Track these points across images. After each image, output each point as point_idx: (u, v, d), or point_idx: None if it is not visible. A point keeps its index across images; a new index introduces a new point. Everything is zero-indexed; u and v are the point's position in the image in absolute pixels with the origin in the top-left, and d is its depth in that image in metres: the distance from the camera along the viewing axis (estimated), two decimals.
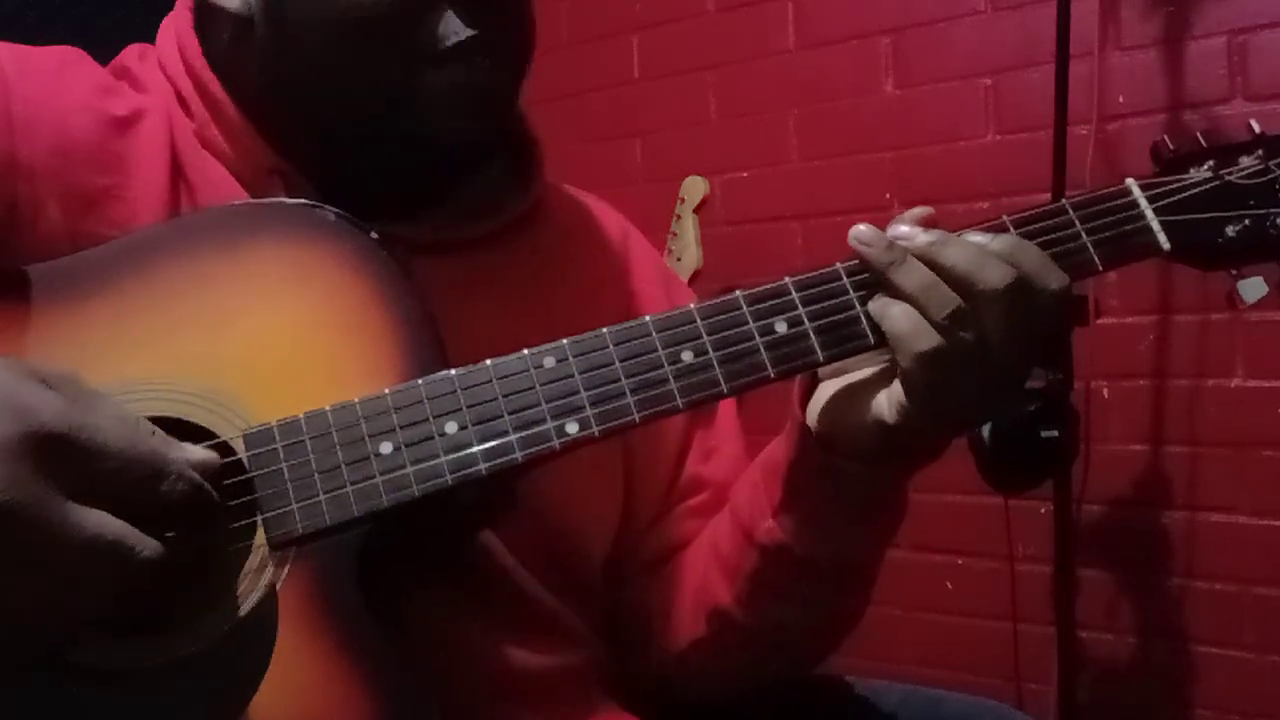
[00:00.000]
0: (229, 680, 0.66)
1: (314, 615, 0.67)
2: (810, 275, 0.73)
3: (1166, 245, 0.75)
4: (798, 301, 0.72)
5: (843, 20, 2.32)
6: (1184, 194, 0.75)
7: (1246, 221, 0.75)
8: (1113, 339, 1.99)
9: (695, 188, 2.47)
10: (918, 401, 0.70)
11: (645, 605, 0.93)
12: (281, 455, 0.68)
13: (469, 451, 0.69)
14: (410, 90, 0.78)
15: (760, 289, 0.72)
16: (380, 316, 0.72)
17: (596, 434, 0.70)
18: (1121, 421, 2.03)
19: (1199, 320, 1.96)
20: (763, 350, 0.71)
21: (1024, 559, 2.12)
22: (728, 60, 2.47)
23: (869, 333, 0.72)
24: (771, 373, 0.71)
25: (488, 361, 0.70)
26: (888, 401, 0.72)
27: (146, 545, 0.59)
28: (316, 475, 0.68)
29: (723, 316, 0.72)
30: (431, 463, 0.68)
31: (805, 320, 0.72)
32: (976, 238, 0.71)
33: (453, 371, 0.70)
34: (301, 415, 0.69)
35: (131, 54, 0.87)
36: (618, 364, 0.71)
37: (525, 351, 0.71)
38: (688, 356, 0.71)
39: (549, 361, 0.70)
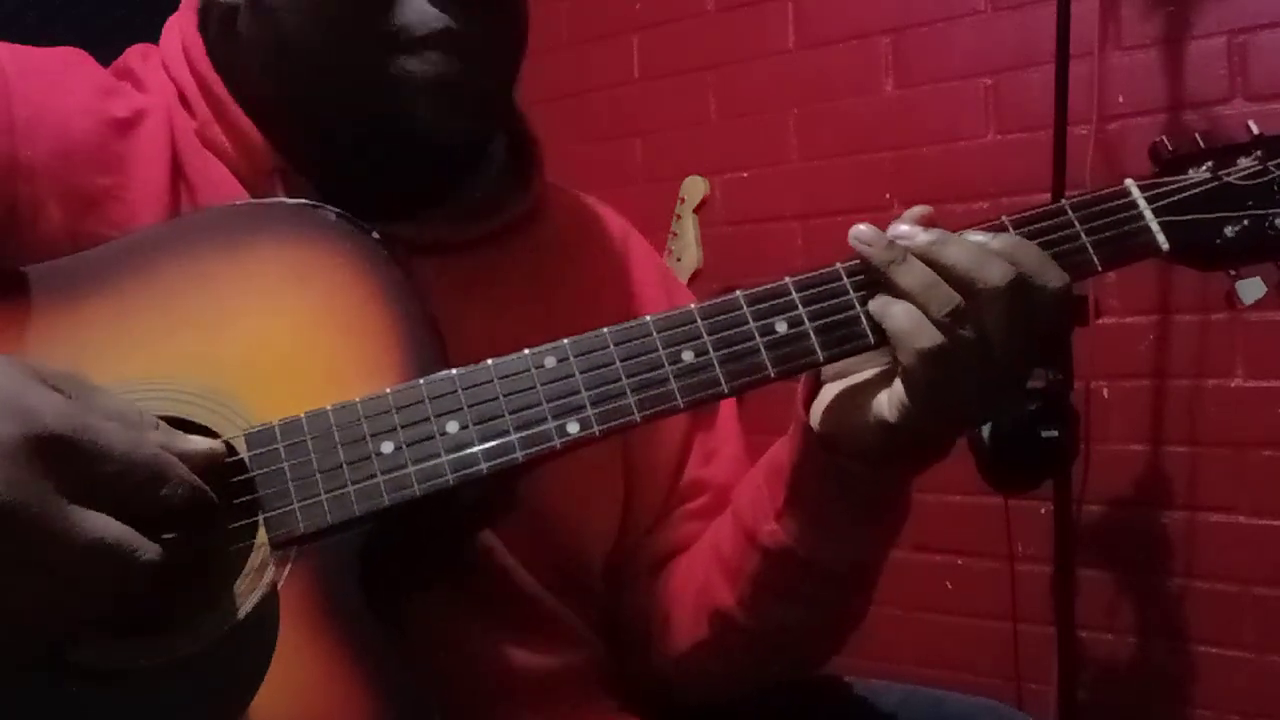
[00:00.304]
0: (230, 679, 0.66)
1: (315, 614, 0.67)
2: (810, 275, 0.73)
3: (1165, 245, 0.75)
4: (798, 301, 0.72)
5: (843, 20, 2.32)
6: (1183, 194, 0.75)
7: (1245, 222, 0.75)
8: (1113, 339, 1.99)
9: (695, 188, 2.47)
10: (919, 400, 0.71)
11: (646, 607, 0.93)
12: (283, 454, 0.68)
13: (470, 451, 0.69)
14: (380, 78, 0.78)
15: (760, 289, 0.73)
16: (381, 316, 0.72)
17: (597, 433, 0.70)
18: (1121, 421, 2.03)
19: (1199, 320, 1.96)
20: (763, 350, 0.71)
21: (1024, 559, 2.12)
22: (728, 60, 2.47)
23: (869, 332, 0.72)
24: (772, 372, 0.72)
25: (489, 361, 0.71)
26: (889, 401, 0.72)
27: (147, 548, 0.60)
28: (318, 474, 0.68)
29: (723, 316, 0.72)
30: (433, 462, 0.68)
31: (805, 320, 0.72)
32: (977, 237, 0.71)
33: (454, 371, 0.70)
34: (303, 415, 0.69)
35: (134, 54, 0.88)
36: (618, 364, 0.71)
37: (526, 351, 0.71)
38: (688, 356, 0.71)
39: (550, 361, 0.71)
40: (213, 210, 0.78)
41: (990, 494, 1.86)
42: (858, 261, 0.73)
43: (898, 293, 0.70)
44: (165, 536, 0.61)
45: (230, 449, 0.68)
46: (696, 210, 2.46)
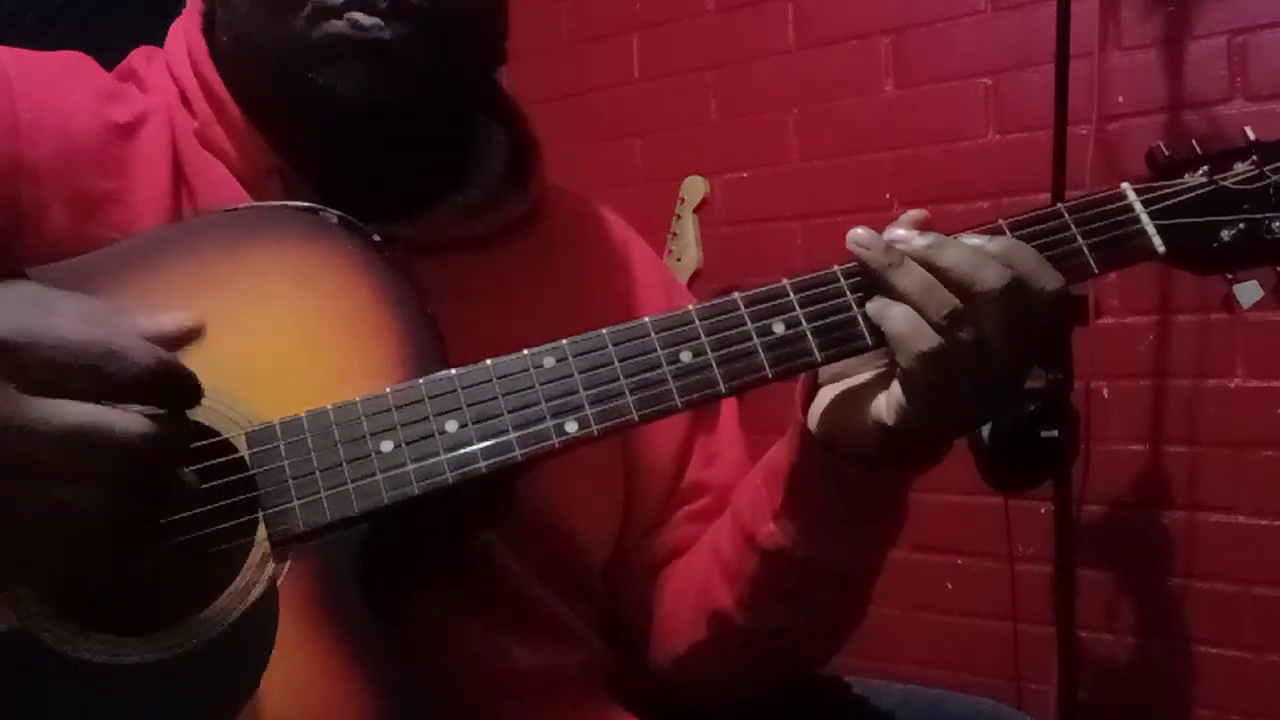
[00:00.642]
0: (230, 676, 0.66)
1: (314, 612, 0.67)
2: (808, 277, 0.73)
3: (1161, 248, 0.75)
4: (795, 303, 0.72)
5: (843, 20, 2.32)
6: (1178, 198, 0.76)
7: (1241, 226, 0.75)
8: (1113, 339, 1.99)
9: (695, 188, 2.47)
10: (917, 402, 0.71)
11: (646, 608, 0.93)
12: (283, 453, 0.68)
13: (469, 450, 0.69)
14: (305, 47, 0.78)
15: (758, 290, 0.73)
16: (381, 318, 0.73)
17: (596, 433, 0.70)
18: (1121, 421, 2.03)
19: (1199, 320, 1.97)
20: (760, 351, 0.72)
21: (1024, 559, 2.12)
22: (728, 60, 2.47)
23: (867, 334, 0.72)
24: (769, 373, 0.72)
25: (488, 361, 0.71)
26: (887, 403, 0.73)
27: (122, 420, 0.57)
28: (318, 473, 0.68)
29: (721, 317, 0.72)
30: (432, 461, 0.69)
31: (803, 321, 0.72)
32: (973, 240, 0.72)
33: (453, 371, 0.71)
34: (303, 414, 0.69)
35: (139, 56, 0.88)
36: (617, 364, 0.71)
37: (525, 351, 0.71)
38: (686, 357, 0.71)
39: (549, 361, 0.71)
40: (215, 213, 0.78)
41: (990, 494, 1.86)
42: (855, 264, 0.73)
43: (896, 296, 0.71)
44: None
45: (231, 447, 0.68)
46: (696, 210, 2.47)
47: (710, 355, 0.71)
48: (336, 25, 0.78)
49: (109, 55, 0.88)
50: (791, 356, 0.72)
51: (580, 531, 0.88)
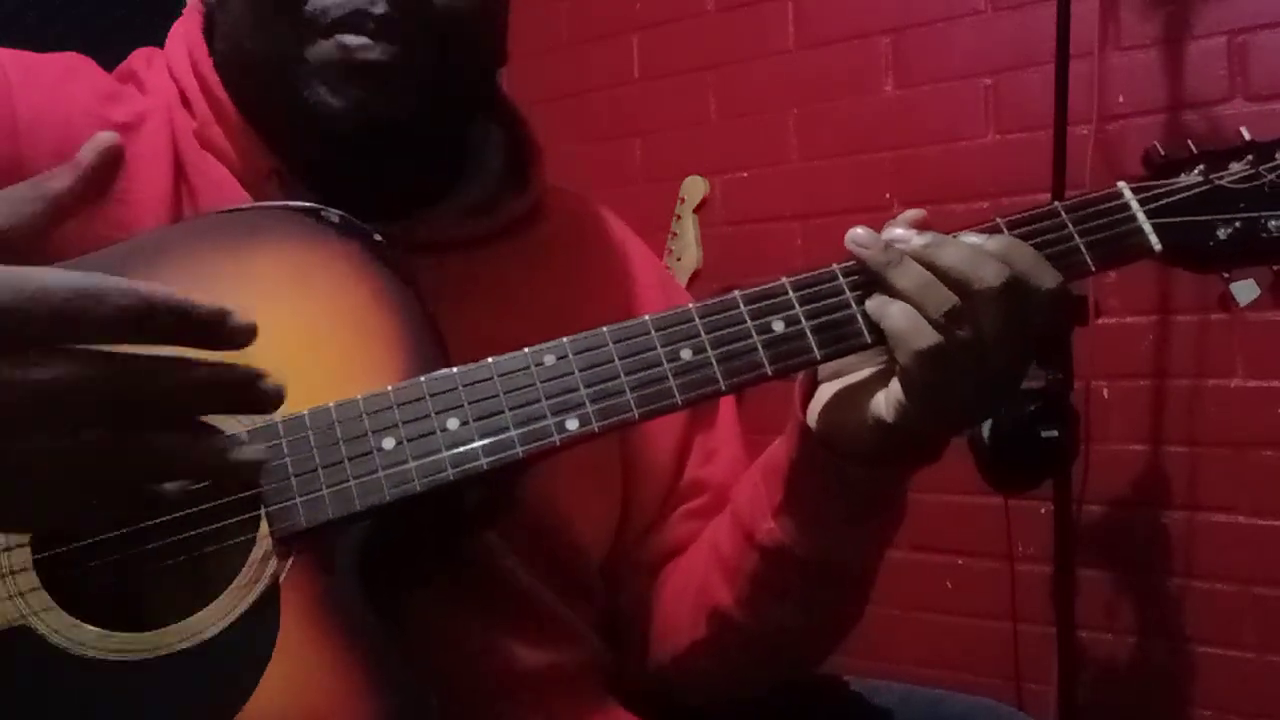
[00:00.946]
0: (231, 673, 0.66)
1: (316, 609, 0.67)
2: (807, 275, 0.74)
3: (1158, 247, 0.76)
4: (795, 301, 0.73)
5: (843, 20, 2.32)
6: (1175, 197, 0.76)
7: (1237, 224, 0.76)
8: (1113, 339, 2.00)
9: (695, 188, 2.47)
10: (916, 400, 0.71)
11: (645, 607, 0.93)
12: (285, 449, 0.68)
13: (470, 447, 0.69)
14: (296, 63, 0.78)
15: (757, 289, 0.73)
16: (383, 317, 0.73)
17: (596, 430, 0.70)
18: (1121, 421, 2.04)
19: (1199, 320, 1.97)
20: (760, 349, 0.72)
21: (1024, 559, 2.12)
22: (728, 60, 2.47)
23: (865, 331, 0.73)
24: (769, 370, 0.72)
25: (489, 359, 0.71)
26: (886, 401, 0.73)
27: (110, 287, 0.54)
28: (320, 469, 0.68)
29: (720, 315, 0.73)
30: (433, 457, 0.69)
31: (802, 319, 0.73)
32: (971, 238, 0.72)
33: (454, 369, 0.71)
34: (305, 411, 0.69)
35: (139, 58, 0.88)
36: (617, 361, 0.71)
37: (526, 349, 0.71)
38: (686, 354, 0.72)
39: (549, 359, 0.71)
40: (215, 213, 0.78)
41: (990, 494, 1.86)
42: (854, 263, 0.73)
43: (895, 294, 0.71)
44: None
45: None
46: (696, 210, 2.47)
47: (710, 353, 0.72)
48: (325, 46, 0.78)
49: (109, 55, 0.88)
50: (791, 354, 0.72)
51: (579, 529, 0.89)
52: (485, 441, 0.69)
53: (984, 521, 2.12)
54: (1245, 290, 0.81)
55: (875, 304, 0.72)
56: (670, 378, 0.71)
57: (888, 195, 2.27)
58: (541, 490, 0.81)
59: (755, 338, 0.72)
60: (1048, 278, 0.71)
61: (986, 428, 1.68)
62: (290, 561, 0.68)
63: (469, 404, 0.70)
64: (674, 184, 2.48)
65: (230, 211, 0.77)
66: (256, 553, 0.68)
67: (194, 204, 0.82)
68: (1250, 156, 0.77)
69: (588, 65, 2.65)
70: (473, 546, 0.81)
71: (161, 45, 0.89)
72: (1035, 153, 1.92)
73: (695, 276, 2.44)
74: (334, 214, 0.75)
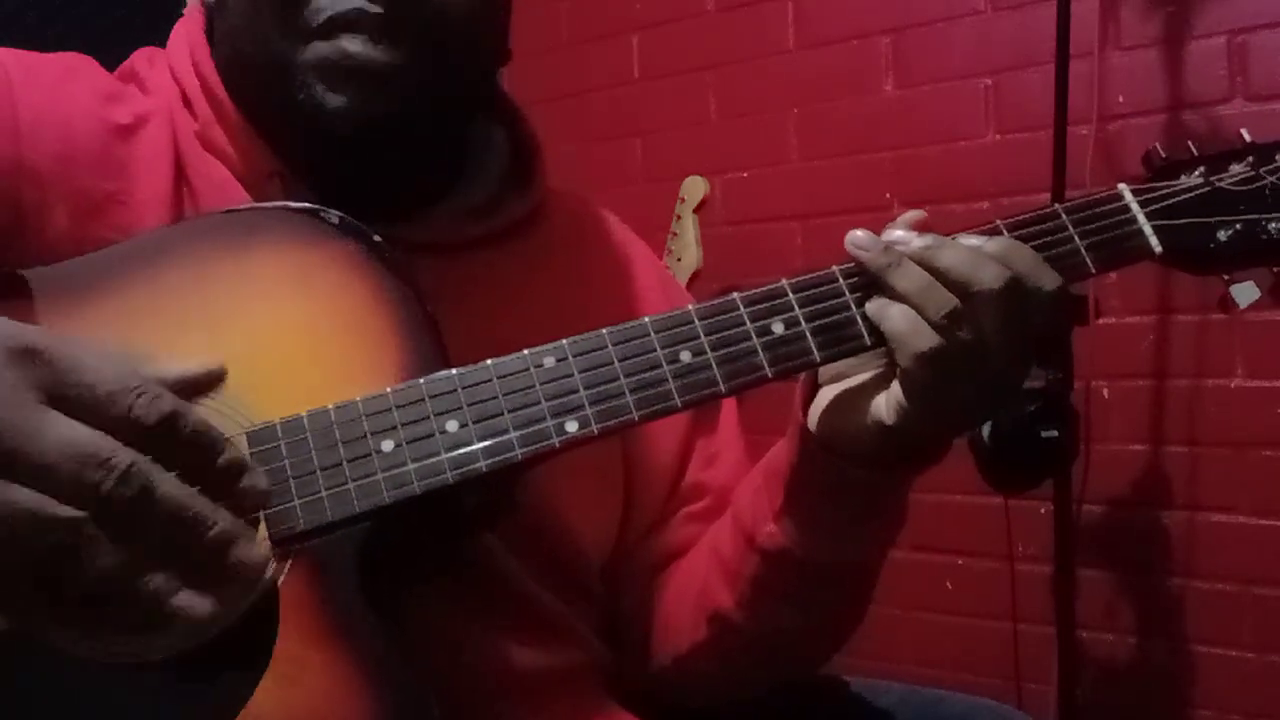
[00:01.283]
0: (230, 674, 0.66)
1: (315, 611, 0.67)
2: (807, 277, 0.74)
3: (1158, 248, 0.76)
4: (794, 303, 0.73)
5: (843, 20, 2.32)
6: (1175, 199, 0.76)
7: (1238, 226, 0.76)
8: (1113, 339, 1.99)
9: (695, 188, 2.47)
10: (917, 402, 0.71)
11: (646, 609, 0.93)
12: (284, 452, 0.68)
13: (469, 449, 0.69)
14: (293, 65, 0.79)
15: (757, 290, 0.73)
16: (382, 318, 0.73)
17: (595, 432, 0.70)
18: (1121, 421, 2.03)
19: (1199, 320, 1.97)
20: (760, 351, 0.72)
21: (1024, 559, 2.12)
22: (728, 60, 2.47)
23: (865, 334, 0.73)
24: (769, 372, 0.72)
25: (488, 361, 0.71)
26: (886, 403, 0.73)
27: (122, 454, 0.58)
28: (319, 472, 0.68)
29: (720, 317, 0.72)
30: (432, 460, 0.69)
31: (802, 321, 0.73)
32: (971, 240, 0.72)
33: (453, 371, 0.71)
34: (304, 413, 0.69)
35: (141, 58, 0.88)
36: (617, 364, 0.71)
37: (525, 351, 0.71)
38: (686, 357, 0.72)
39: (549, 361, 0.71)
40: (215, 214, 0.78)
41: (990, 494, 1.86)
42: (853, 264, 0.73)
43: (895, 296, 0.71)
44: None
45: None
46: (696, 210, 2.46)
47: (710, 355, 0.72)
48: (322, 49, 0.78)
49: (109, 55, 0.88)
50: (791, 356, 0.72)
51: (580, 532, 0.88)
52: (485, 444, 0.69)
53: (984, 521, 2.12)
54: (1245, 292, 0.81)
55: (875, 306, 0.72)
56: (670, 380, 0.71)
57: (888, 195, 2.27)
58: (542, 492, 0.81)
59: (755, 340, 0.72)
60: (1047, 279, 0.71)
61: (986, 428, 1.68)
62: (289, 564, 0.68)
63: (468, 406, 0.70)
64: (674, 184, 2.47)
65: (230, 212, 0.77)
66: None
67: (195, 205, 0.82)
68: (1251, 158, 0.77)
69: (588, 65, 2.65)
70: (472, 548, 0.81)
71: (161, 45, 0.89)
72: (1035, 153, 1.92)
73: (695, 276, 2.43)
74: (333, 215, 0.75)
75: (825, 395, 0.78)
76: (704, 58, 2.50)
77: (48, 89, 0.80)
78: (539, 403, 0.70)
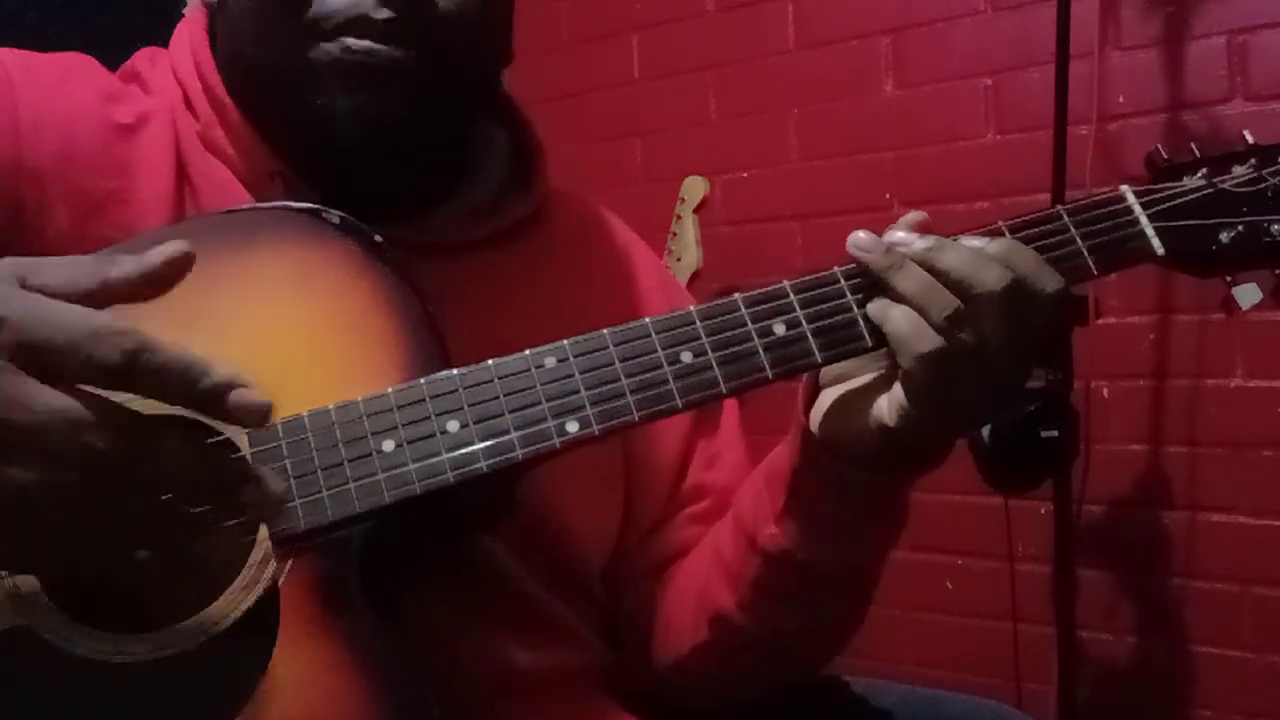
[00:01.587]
0: (230, 675, 0.66)
1: (315, 611, 0.67)
2: (808, 278, 0.74)
3: (1160, 251, 0.76)
4: (796, 304, 0.73)
5: (843, 20, 2.32)
6: (1178, 201, 0.76)
7: (1240, 228, 0.76)
8: (1113, 339, 1.99)
9: (695, 188, 2.47)
10: (919, 404, 0.71)
11: (647, 610, 0.93)
12: (285, 451, 0.68)
13: (470, 449, 0.69)
14: (300, 66, 0.79)
15: (758, 291, 0.73)
16: (383, 318, 0.73)
17: (597, 432, 0.70)
18: (1121, 421, 2.03)
19: (1199, 320, 1.97)
20: (761, 352, 0.72)
21: (1024, 559, 2.12)
22: (728, 60, 2.47)
23: (866, 335, 0.72)
24: (770, 374, 0.72)
25: (489, 361, 0.71)
26: (888, 405, 0.73)
27: (112, 409, 0.58)
28: (319, 471, 0.68)
29: (721, 318, 0.72)
30: (433, 460, 0.69)
31: (803, 322, 0.72)
32: (973, 242, 0.72)
33: (454, 371, 0.71)
34: (305, 413, 0.69)
35: (143, 57, 0.88)
36: (618, 364, 0.71)
37: (526, 352, 0.71)
38: (687, 357, 0.71)
39: (550, 361, 0.71)
40: (216, 214, 0.78)
41: (990, 494, 1.86)
42: (855, 265, 0.73)
43: (896, 297, 0.71)
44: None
45: (233, 446, 0.68)
46: (696, 210, 2.46)
47: (711, 356, 0.71)
48: (329, 49, 0.78)
49: (109, 55, 0.88)
50: (792, 358, 0.72)
51: (580, 532, 0.88)
52: (485, 444, 0.69)
53: (984, 521, 2.12)
54: (1248, 294, 0.81)
55: (877, 307, 0.72)
56: (671, 380, 0.71)
57: (888, 195, 2.27)
58: (543, 493, 0.81)
59: (756, 340, 0.72)
60: (1049, 281, 0.71)
61: (986, 428, 1.68)
62: (290, 564, 0.68)
63: (469, 406, 0.70)
64: (674, 184, 2.47)
65: (231, 212, 0.77)
66: (256, 555, 0.68)
67: (196, 205, 0.82)
68: (1253, 160, 0.76)
69: (588, 65, 2.65)
70: (473, 549, 0.80)
71: (162, 45, 0.89)
72: (1035, 153, 1.92)
73: (695, 277, 2.43)
74: (334, 214, 0.75)
75: (827, 397, 0.78)
76: (704, 58, 2.50)
77: (48, 88, 0.80)
78: (540, 403, 0.70)
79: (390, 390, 0.70)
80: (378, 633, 0.68)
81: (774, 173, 2.42)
